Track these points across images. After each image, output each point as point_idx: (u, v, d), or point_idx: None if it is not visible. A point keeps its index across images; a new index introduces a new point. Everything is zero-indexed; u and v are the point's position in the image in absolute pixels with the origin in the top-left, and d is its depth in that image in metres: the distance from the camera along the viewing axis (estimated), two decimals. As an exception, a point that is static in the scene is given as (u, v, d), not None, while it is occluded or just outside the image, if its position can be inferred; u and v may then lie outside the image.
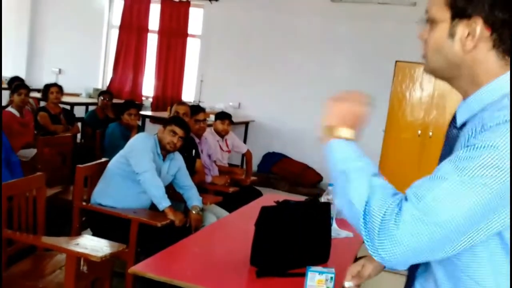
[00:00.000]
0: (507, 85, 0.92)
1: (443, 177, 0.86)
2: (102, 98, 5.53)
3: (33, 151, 4.09)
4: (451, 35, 0.94)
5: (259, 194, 4.26)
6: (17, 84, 4.84)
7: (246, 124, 7.22)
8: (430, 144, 6.37)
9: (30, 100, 5.26)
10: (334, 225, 2.51)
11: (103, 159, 3.28)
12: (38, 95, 6.10)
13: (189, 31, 7.65)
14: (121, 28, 7.89)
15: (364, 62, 6.59)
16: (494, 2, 0.89)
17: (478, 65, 0.94)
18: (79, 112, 6.61)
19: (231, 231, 2.68)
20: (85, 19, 8.04)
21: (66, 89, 5.64)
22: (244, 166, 5.67)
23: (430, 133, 6.41)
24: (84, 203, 2.99)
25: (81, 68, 8.08)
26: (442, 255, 0.87)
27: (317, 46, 6.87)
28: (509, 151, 0.83)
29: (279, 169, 6.96)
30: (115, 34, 8.06)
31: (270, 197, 3.32)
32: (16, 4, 8.34)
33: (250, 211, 2.73)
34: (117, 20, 8.01)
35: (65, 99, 5.68)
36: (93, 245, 2.29)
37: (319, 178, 6.82)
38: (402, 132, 6.48)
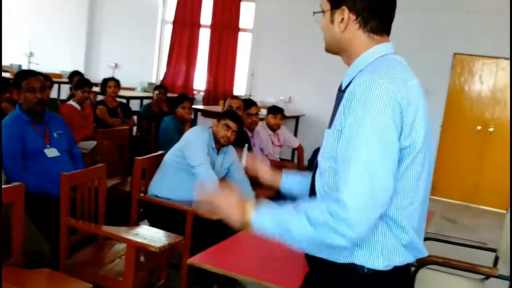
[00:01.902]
0: (372, 56, 1.25)
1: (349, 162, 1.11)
2: (157, 92, 5.66)
3: (92, 143, 4.23)
4: (332, 21, 1.28)
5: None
6: (81, 80, 5.00)
7: (297, 118, 7.18)
8: (491, 140, 6.11)
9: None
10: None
11: (160, 152, 3.35)
12: (95, 88, 6.32)
13: (241, 25, 7.68)
14: (175, 23, 8.04)
15: (418, 54, 6.37)
16: None
17: (353, 42, 1.27)
18: (134, 105, 6.80)
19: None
20: (140, 16, 8.25)
21: (122, 83, 5.80)
22: (295, 161, 5.65)
23: (491, 129, 6.15)
24: (141, 194, 3.06)
25: (136, 63, 8.30)
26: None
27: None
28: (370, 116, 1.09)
29: (330, 164, 6.88)
30: (168, 29, 8.22)
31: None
32: (74, 2, 8.67)
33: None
34: (170, 15, 8.16)
35: (121, 93, 5.85)
36: (151, 236, 2.34)
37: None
38: (460, 128, 6.25)
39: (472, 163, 6.22)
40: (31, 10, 9.10)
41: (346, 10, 1.24)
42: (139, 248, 2.29)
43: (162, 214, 3.02)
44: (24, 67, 8.70)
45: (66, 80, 6.91)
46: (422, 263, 2.44)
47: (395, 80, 1.13)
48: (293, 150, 6.07)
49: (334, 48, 1.32)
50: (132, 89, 7.74)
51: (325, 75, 7.08)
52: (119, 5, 8.42)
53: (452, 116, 6.29)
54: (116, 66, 8.42)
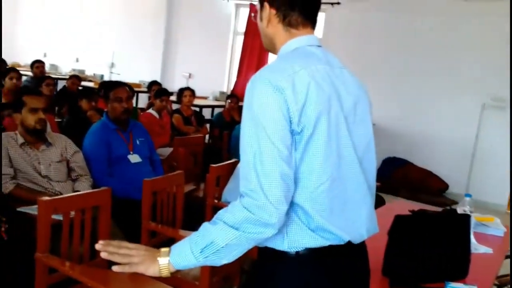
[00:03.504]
0: (286, 50, 1.33)
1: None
2: (229, 101, 5.80)
3: (168, 150, 4.42)
4: (261, 18, 1.38)
5: (382, 200, 4.15)
6: (160, 90, 5.23)
7: (367, 128, 7.06)
8: None
9: (166, 103, 5.68)
10: (472, 240, 2.35)
11: (233, 160, 3.44)
12: (171, 97, 6.56)
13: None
14: (246, 34, 8.21)
15: (498, 62, 6.07)
16: None
17: (276, 37, 1.36)
18: (206, 114, 7.01)
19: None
20: (213, 27, 8.51)
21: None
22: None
23: None
24: (215, 201, 3.16)
25: (208, 73, 8.56)
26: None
27: (442, 46, 6.49)
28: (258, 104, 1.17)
29: (401, 175, 6.71)
30: (239, 40, 8.41)
31: (398, 204, 3.24)
32: (152, 16, 9.12)
33: (378, 218, 2.66)
34: (242, 27, 8.35)
35: (194, 101, 6.05)
36: (226, 242, 2.40)
37: (444, 186, 6.45)
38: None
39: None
40: (114, 25, 9.65)
41: (267, 6, 1.34)
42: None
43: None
44: (106, 77, 9.24)
45: (145, 89, 7.25)
46: (504, 283, 2.33)
47: (281, 70, 1.20)
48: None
49: (267, 45, 1.42)
50: (205, 98, 7.97)
51: (396, 84, 6.93)
52: (194, 18, 8.73)
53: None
54: (190, 76, 8.72)
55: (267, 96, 1.16)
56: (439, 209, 2.30)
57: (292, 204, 1.19)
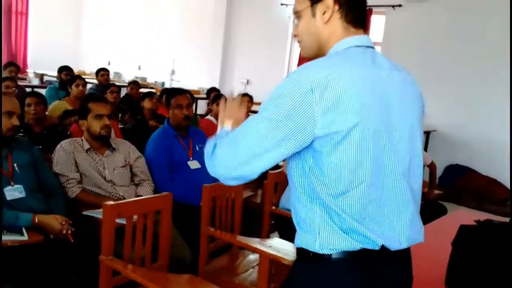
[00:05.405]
0: (337, 47, 1.30)
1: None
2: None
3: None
4: (314, 15, 1.31)
5: (443, 210, 4.01)
6: (216, 95, 5.33)
7: (427, 133, 6.85)
8: None
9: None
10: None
11: (290, 167, 3.43)
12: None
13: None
14: (303, 39, 8.19)
15: None
16: None
17: (331, 35, 1.31)
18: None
19: (420, 247, 2.57)
20: (271, 33, 8.56)
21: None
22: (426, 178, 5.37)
23: None
24: (273, 207, 3.16)
25: (266, 79, 8.60)
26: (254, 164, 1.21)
27: (508, 47, 6.17)
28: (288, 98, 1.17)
29: (463, 183, 6.44)
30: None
31: (461, 214, 3.11)
32: (211, 23, 9.31)
33: (440, 228, 2.58)
34: (299, 31, 8.34)
35: (253, 107, 6.09)
36: (284, 249, 2.39)
37: (510, 195, 6.11)
38: None
39: None
40: (174, 33, 9.95)
41: (330, 1, 1.29)
42: (272, 260, 2.37)
43: (292, 227, 3.08)
44: (167, 85, 9.52)
45: (204, 96, 7.38)
46: None
47: (318, 71, 1.17)
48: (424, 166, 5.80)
49: (314, 47, 1.34)
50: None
51: (458, 90, 6.66)
52: (252, 24, 8.83)
53: None
54: (247, 82, 8.82)
55: (294, 92, 1.16)
56: (505, 219, 2.20)
57: (324, 205, 1.22)
